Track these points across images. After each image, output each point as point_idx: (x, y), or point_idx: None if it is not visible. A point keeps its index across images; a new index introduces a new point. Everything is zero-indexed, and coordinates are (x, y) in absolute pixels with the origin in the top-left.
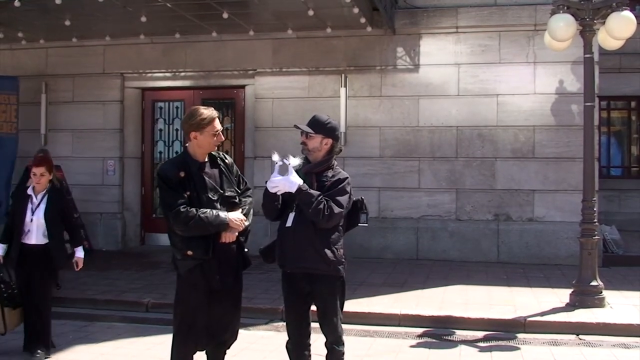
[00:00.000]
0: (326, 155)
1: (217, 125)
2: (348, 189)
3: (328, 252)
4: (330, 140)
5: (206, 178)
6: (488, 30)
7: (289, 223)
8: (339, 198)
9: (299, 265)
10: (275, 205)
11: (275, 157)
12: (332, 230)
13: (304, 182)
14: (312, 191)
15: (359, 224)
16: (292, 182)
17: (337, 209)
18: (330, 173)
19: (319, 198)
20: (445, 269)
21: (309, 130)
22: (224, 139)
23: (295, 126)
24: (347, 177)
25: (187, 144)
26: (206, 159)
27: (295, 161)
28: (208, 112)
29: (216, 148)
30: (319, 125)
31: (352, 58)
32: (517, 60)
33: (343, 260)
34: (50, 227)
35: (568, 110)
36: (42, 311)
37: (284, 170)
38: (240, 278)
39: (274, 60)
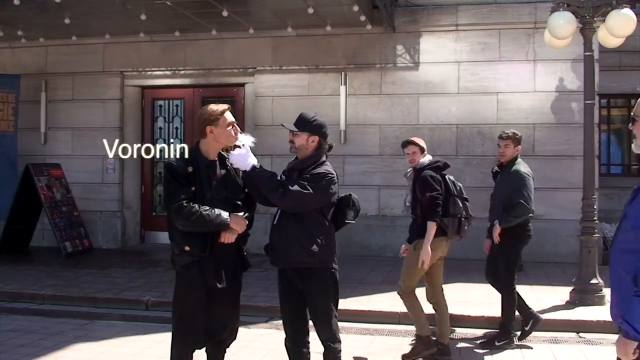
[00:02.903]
0: (313, 153)
1: (229, 116)
2: (324, 181)
3: (312, 244)
4: (316, 138)
5: (212, 176)
6: (488, 28)
7: (275, 221)
8: (304, 183)
9: (287, 261)
10: (256, 187)
11: (242, 138)
12: (313, 222)
13: (287, 178)
14: (267, 170)
15: (346, 221)
16: (247, 162)
17: (293, 187)
18: (314, 170)
19: (273, 176)
20: (445, 267)
21: (293, 128)
22: (239, 130)
23: (282, 125)
24: (326, 172)
25: (200, 141)
26: (216, 158)
27: (247, 140)
28: (218, 105)
29: (234, 141)
30: (304, 123)
31: (352, 56)
32: (517, 58)
33: (330, 252)
34: None
35: (568, 108)
36: None
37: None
38: (239, 279)
39: (273, 58)
